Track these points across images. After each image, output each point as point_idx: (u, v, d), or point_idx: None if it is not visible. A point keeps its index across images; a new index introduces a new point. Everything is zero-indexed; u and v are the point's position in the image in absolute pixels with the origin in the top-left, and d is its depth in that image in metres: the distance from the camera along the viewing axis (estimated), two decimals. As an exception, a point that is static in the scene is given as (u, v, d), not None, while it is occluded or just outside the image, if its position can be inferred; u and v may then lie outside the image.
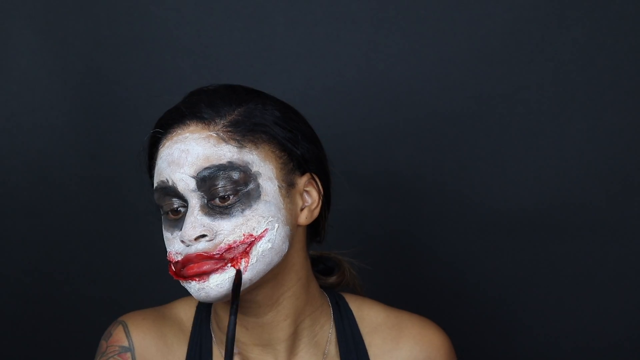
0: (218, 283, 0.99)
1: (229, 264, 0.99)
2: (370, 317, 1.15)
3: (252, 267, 1.00)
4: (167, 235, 1.03)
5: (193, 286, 1.00)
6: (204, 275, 0.99)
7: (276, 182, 1.02)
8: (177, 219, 1.01)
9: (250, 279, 1.01)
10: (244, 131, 1.01)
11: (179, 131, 1.02)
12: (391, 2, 1.60)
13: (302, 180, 1.06)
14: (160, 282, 1.57)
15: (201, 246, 0.99)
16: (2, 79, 1.66)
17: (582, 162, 1.61)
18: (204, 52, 1.63)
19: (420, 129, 1.62)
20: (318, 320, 1.12)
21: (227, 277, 0.99)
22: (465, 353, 1.68)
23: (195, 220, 0.98)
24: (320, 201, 1.07)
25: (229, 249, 0.99)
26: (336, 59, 1.62)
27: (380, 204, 1.65)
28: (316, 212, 1.07)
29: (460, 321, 1.68)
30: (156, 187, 1.02)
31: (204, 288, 0.99)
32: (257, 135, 1.02)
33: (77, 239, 1.70)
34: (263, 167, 1.01)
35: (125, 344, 1.08)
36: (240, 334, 1.08)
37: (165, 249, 1.04)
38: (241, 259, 1.00)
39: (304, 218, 1.06)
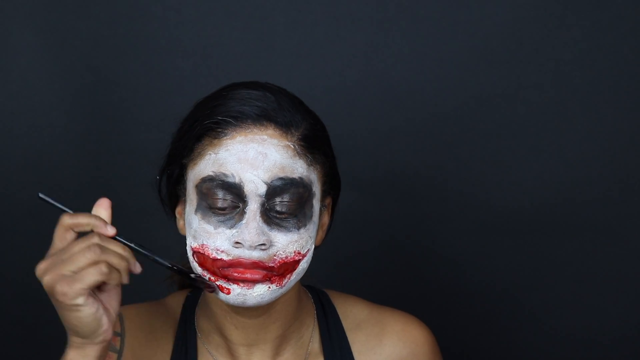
0: (261, 293, 0.99)
1: (276, 278, 0.99)
2: (353, 313, 1.15)
3: (289, 284, 1.01)
4: (206, 227, 0.99)
5: (234, 289, 0.99)
6: (251, 283, 0.99)
7: (319, 204, 1.03)
8: (224, 214, 0.99)
9: (282, 293, 1.01)
10: (312, 148, 1.01)
11: (255, 130, 0.98)
12: (391, 2, 1.60)
13: (326, 203, 1.07)
14: (160, 281, 1.57)
15: (257, 254, 0.98)
16: (2, 79, 1.66)
17: (582, 162, 1.61)
18: (204, 52, 1.63)
19: (420, 129, 1.62)
20: (304, 321, 1.12)
21: (268, 289, 0.99)
22: (466, 351, 1.69)
23: (259, 226, 0.97)
24: (330, 222, 1.08)
25: (283, 263, 0.99)
26: (336, 59, 1.62)
27: (380, 204, 1.65)
28: (324, 234, 1.08)
29: (460, 320, 1.68)
30: (210, 177, 0.99)
31: (245, 294, 0.99)
32: (320, 155, 1.02)
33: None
34: (317, 187, 1.02)
35: (118, 330, 1.08)
36: (228, 332, 1.08)
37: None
38: (287, 274, 1.00)
39: (319, 239, 1.07)
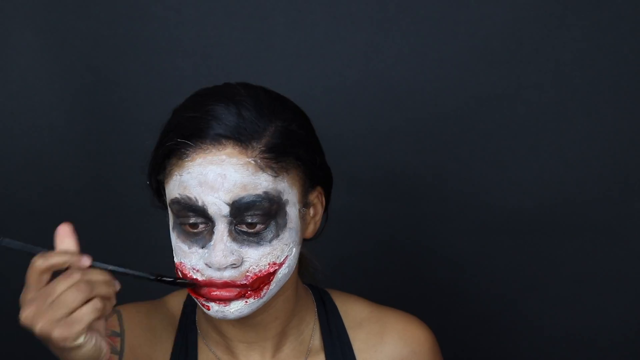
0: (238, 309, 1.00)
1: (252, 292, 1.00)
2: (354, 312, 1.16)
3: (269, 292, 1.01)
4: (182, 246, 1.00)
5: (212, 306, 1.00)
6: (226, 300, 0.99)
7: (298, 207, 1.02)
8: (196, 232, 0.99)
9: (264, 302, 1.02)
10: (278, 157, 0.99)
11: (213, 150, 0.97)
12: (391, 2, 1.60)
13: (313, 195, 1.06)
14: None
15: (227, 273, 0.98)
16: (2, 79, 1.66)
17: (582, 162, 1.61)
18: (204, 52, 1.63)
19: (420, 129, 1.62)
20: (304, 318, 1.13)
21: (245, 303, 1.00)
22: (466, 352, 1.69)
23: (226, 247, 0.97)
24: (323, 211, 1.08)
25: (256, 278, 0.99)
26: (336, 59, 1.62)
27: (380, 204, 1.65)
28: (319, 223, 1.08)
29: (459, 320, 1.68)
30: (177, 199, 0.99)
31: (223, 311, 1.00)
32: (289, 160, 1.00)
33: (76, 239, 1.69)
34: (290, 193, 1.00)
35: (117, 330, 1.08)
36: (226, 330, 1.09)
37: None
38: (263, 287, 1.00)
39: (310, 232, 1.07)
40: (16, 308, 1.79)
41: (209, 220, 0.98)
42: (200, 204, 0.97)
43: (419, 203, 1.65)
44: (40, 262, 0.88)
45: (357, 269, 1.68)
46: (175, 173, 1.00)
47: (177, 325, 1.12)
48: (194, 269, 0.99)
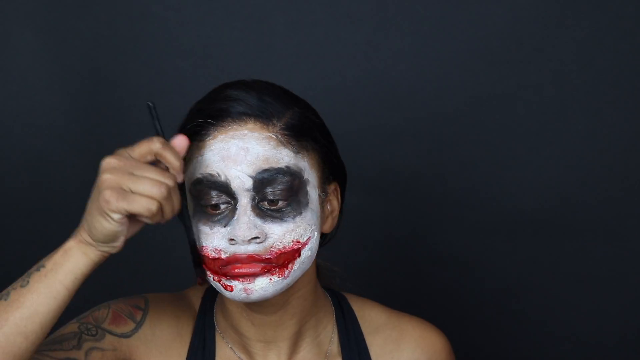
0: (263, 286, 0.99)
1: (276, 269, 0.99)
2: (371, 317, 1.16)
3: (293, 273, 1.01)
4: (204, 229, 1.00)
5: (236, 285, 0.99)
6: (251, 277, 0.99)
7: (317, 191, 1.03)
8: (218, 213, 1.00)
9: (287, 284, 1.01)
10: (298, 136, 1.01)
11: (235, 126, 0.99)
12: (391, 2, 1.60)
13: (331, 189, 1.07)
14: (161, 281, 1.57)
15: (252, 248, 0.98)
16: (2, 79, 1.66)
17: (582, 162, 1.61)
18: (204, 52, 1.63)
19: (420, 129, 1.62)
20: (321, 320, 1.13)
21: (270, 281, 0.99)
22: (468, 352, 1.68)
23: (250, 220, 0.98)
24: (340, 209, 1.09)
25: (280, 254, 0.99)
26: (336, 59, 1.62)
27: (381, 204, 1.65)
28: (336, 220, 1.08)
29: (461, 321, 1.68)
30: (199, 179, 1.00)
31: (247, 289, 0.99)
32: (308, 141, 1.02)
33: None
34: (311, 174, 1.02)
35: (142, 306, 1.09)
36: (245, 328, 1.09)
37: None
38: (288, 264, 1.00)
39: (328, 226, 1.07)
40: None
41: (231, 198, 0.99)
42: (223, 179, 0.98)
43: (418, 203, 1.65)
44: (158, 147, 0.93)
45: (356, 268, 1.68)
46: (196, 155, 1.00)
47: (196, 318, 1.12)
48: (216, 249, 0.99)
